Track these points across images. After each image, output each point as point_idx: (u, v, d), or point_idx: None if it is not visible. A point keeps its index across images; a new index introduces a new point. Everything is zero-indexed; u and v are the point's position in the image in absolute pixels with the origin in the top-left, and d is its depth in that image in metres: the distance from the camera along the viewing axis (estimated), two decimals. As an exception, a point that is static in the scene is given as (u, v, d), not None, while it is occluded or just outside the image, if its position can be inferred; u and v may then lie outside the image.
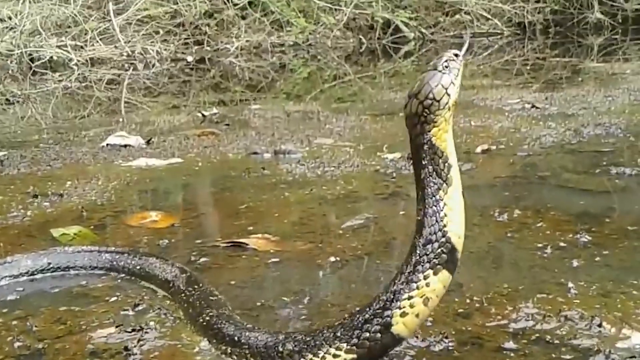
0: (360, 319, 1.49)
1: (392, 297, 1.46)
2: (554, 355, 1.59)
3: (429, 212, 1.45)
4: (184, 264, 2.22)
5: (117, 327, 1.80)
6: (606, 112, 4.70)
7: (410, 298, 1.46)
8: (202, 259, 2.33)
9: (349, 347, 1.48)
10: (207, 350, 1.68)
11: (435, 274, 1.46)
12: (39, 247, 2.54)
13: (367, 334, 1.47)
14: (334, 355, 1.50)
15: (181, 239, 2.60)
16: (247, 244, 2.42)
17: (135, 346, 1.68)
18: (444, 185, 1.45)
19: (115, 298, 2.04)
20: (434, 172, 1.44)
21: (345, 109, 5.63)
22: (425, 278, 1.46)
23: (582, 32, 12.66)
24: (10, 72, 10.78)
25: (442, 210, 1.45)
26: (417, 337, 1.69)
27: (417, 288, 1.46)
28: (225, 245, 2.45)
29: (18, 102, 7.69)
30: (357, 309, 1.57)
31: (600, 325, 1.69)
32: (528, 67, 8.46)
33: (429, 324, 1.76)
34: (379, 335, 1.47)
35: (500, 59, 9.77)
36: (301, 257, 2.32)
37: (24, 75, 10.35)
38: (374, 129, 4.68)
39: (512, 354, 1.61)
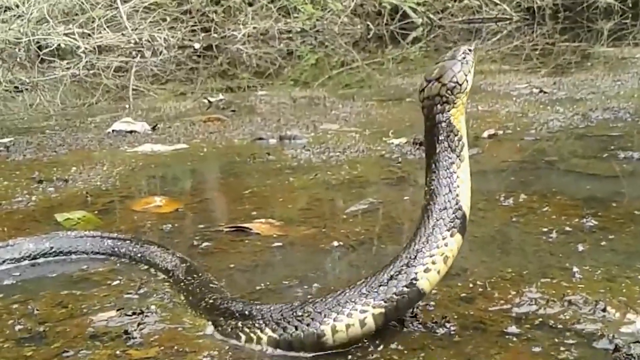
0: (385, 277, 1.55)
1: (415, 255, 1.57)
2: (557, 340, 1.57)
3: (443, 182, 1.59)
4: (186, 248, 2.22)
5: (118, 310, 1.79)
6: (615, 96, 4.65)
7: (432, 256, 1.58)
8: (205, 244, 2.32)
9: (376, 302, 1.53)
10: (209, 335, 1.67)
11: (451, 235, 1.60)
12: (43, 231, 2.53)
13: (394, 289, 1.55)
14: (362, 311, 1.52)
15: (185, 223, 2.59)
16: (250, 229, 2.41)
17: (135, 330, 1.67)
18: (458, 160, 1.60)
19: (117, 282, 2.03)
20: (449, 148, 1.59)
21: (351, 95, 5.60)
22: (443, 239, 1.59)
23: (592, 16, 12.55)
24: (18, 60, 10.80)
25: (455, 182, 1.60)
26: (418, 321, 1.68)
27: (438, 247, 1.59)
28: (228, 229, 2.44)
29: (27, 89, 7.70)
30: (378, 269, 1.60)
31: (604, 310, 1.67)
32: (537, 52, 8.39)
33: (431, 307, 1.75)
34: (405, 289, 1.55)
35: (509, 44, 9.70)
36: (304, 242, 2.30)
37: (32, 63, 10.36)
38: (380, 114, 4.65)
39: (514, 339, 1.59)
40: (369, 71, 8.03)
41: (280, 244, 2.29)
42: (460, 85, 1.59)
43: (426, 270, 1.57)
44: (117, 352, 1.60)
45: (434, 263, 1.58)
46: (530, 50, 8.75)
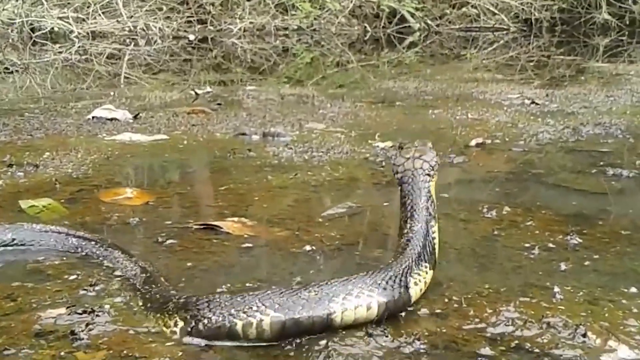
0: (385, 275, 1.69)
1: (407, 269, 1.75)
2: (532, 365, 1.48)
3: (422, 232, 1.86)
4: (150, 244, 2.11)
5: (68, 307, 1.68)
6: (607, 112, 4.57)
7: (419, 274, 1.78)
8: (170, 241, 2.20)
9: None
10: (163, 339, 1.56)
11: (430, 268, 1.84)
12: (5, 218, 2.42)
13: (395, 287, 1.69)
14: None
15: (153, 218, 2.47)
16: (220, 227, 2.30)
17: (83, 330, 1.56)
18: (433, 220, 1.91)
19: (73, 277, 1.91)
20: (428, 210, 1.90)
21: (341, 95, 5.49)
22: (425, 267, 1.81)
23: (589, 31, 12.52)
24: (10, 41, 10.64)
25: (433, 233, 1.89)
26: (386, 337, 1.57)
27: (422, 268, 1.80)
28: (197, 227, 2.33)
29: (17, 71, 7.56)
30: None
31: (584, 335, 1.57)
32: (532, 64, 8.32)
33: (401, 322, 1.65)
34: (403, 291, 1.71)
35: (504, 55, 9.63)
36: (275, 244, 2.20)
37: (24, 45, 10.21)
38: (368, 116, 4.55)
39: (487, 361, 1.49)
40: (364, 73, 7.92)
41: (249, 245, 2.18)
42: (438, 164, 2.00)
43: (416, 283, 1.74)
44: (62, 353, 1.49)
45: (420, 280, 1.76)
46: (525, 61, 8.68)
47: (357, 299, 1.61)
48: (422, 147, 2.00)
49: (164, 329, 1.59)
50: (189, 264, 2.01)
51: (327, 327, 1.58)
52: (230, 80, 6.90)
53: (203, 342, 1.54)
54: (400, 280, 1.70)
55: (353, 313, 1.60)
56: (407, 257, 1.78)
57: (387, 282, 1.67)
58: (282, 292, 1.57)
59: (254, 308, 1.54)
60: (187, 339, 1.55)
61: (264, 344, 1.54)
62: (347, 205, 2.59)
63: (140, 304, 1.70)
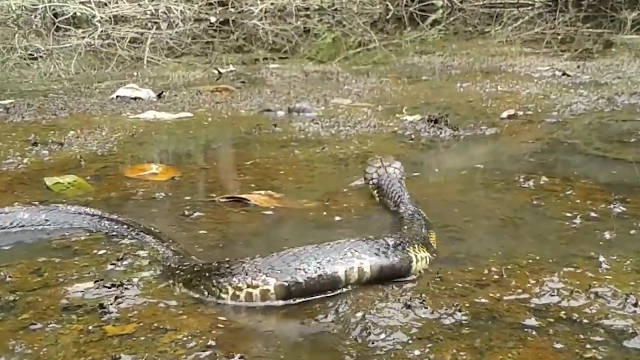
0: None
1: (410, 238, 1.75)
2: (582, 337, 1.39)
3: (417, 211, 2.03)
4: (176, 217, 2.06)
5: (96, 282, 1.63)
6: (642, 82, 4.43)
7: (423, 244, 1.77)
8: (196, 214, 2.15)
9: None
10: (193, 312, 1.50)
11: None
12: (31, 195, 2.39)
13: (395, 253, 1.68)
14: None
15: (179, 192, 2.42)
16: (247, 200, 2.24)
17: (112, 304, 1.51)
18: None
19: (101, 252, 1.87)
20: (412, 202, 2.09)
21: (366, 71, 5.39)
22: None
23: (616, 5, 12.20)
24: (34, 27, 10.65)
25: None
26: (425, 308, 1.50)
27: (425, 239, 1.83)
28: (224, 200, 2.27)
29: (41, 57, 7.54)
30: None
31: (635, 305, 1.49)
32: (559, 39, 8.12)
33: (440, 294, 1.57)
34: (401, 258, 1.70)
35: (529, 31, 9.41)
36: (303, 215, 2.13)
37: (48, 31, 10.21)
38: (394, 91, 4.45)
39: (534, 333, 1.41)
40: (386, 52, 7.79)
41: (275, 216, 2.12)
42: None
43: (417, 251, 1.71)
44: (90, 327, 1.44)
45: (421, 249, 1.74)
46: (551, 37, 8.47)
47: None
48: (387, 157, 2.30)
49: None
50: (215, 235, 1.95)
51: None
52: (255, 59, 6.82)
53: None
54: (404, 247, 1.69)
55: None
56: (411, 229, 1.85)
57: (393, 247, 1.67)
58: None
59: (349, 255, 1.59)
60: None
61: (298, 320, 1.48)
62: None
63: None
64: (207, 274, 1.56)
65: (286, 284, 1.53)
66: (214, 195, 2.35)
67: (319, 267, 1.55)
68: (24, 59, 7.45)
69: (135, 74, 5.63)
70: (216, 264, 1.58)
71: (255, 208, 2.20)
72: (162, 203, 2.30)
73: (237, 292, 1.53)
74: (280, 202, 2.25)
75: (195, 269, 1.60)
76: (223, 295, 1.54)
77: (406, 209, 2.03)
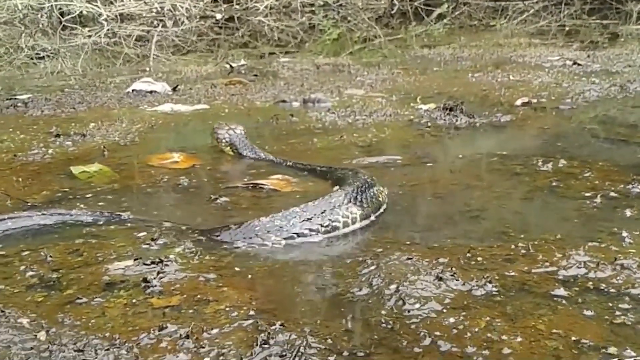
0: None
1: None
2: (610, 304, 1.44)
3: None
4: (203, 202, 2.11)
5: (135, 260, 1.68)
6: (653, 70, 4.47)
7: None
8: (223, 199, 2.20)
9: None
10: (230, 282, 1.56)
11: None
12: (57, 184, 2.44)
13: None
14: None
15: (201, 179, 2.48)
16: (266, 185, 2.30)
17: (154, 278, 1.56)
18: None
19: (134, 233, 1.92)
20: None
21: (377, 63, 5.43)
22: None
23: (622, -3, 12.20)
24: (40, 26, 10.70)
25: None
26: (457, 280, 1.55)
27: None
28: (243, 185, 2.33)
29: (48, 56, 7.59)
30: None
31: (661, 275, 1.54)
32: (564, 32, 8.14)
33: (469, 268, 1.62)
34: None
35: (535, 24, 9.43)
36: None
37: (54, 30, 10.26)
38: (407, 81, 4.50)
39: (563, 301, 1.46)
40: (391, 48, 7.82)
41: (299, 197, 2.18)
42: None
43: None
44: (134, 300, 1.49)
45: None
46: (557, 29, 8.49)
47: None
48: (231, 123, 2.87)
49: None
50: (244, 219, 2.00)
51: None
52: (269, 53, 6.86)
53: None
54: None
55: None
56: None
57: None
58: None
59: None
60: None
61: (333, 292, 1.53)
62: (391, 157, 2.59)
63: None
64: None
65: None
66: (235, 181, 2.41)
67: None
68: (31, 58, 7.50)
69: (147, 69, 5.68)
70: None
71: (277, 193, 2.26)
72: (187, 189, 2.35)
73: None
74: (299, 186, 2.31)
75: None
76: None
77: (265, 155, 2.67)
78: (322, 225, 1.87)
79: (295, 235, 1.83)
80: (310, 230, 1.85)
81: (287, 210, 1.87)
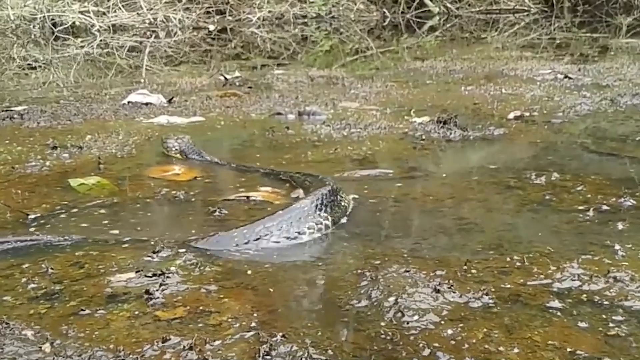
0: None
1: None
2: (604, 316, 1.48)
3: None
4: (202, 215, 2.14)
5: (137, 272, 1.70)
6: (642, 84, 4.53)
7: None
8: (224, 210, 2.23)
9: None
10: (232, 294, 1.58)
11: None
12: (56, 196, 2.46)
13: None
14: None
15: (201, 191, 2.51)
16: (255, 197, 2.37)
17: (157, 290, 1.59)
18: None
19: (135, 244, 1.94)
20: None
21: (370, 76, 5.48)
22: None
23: (611, 11, 12.35)
24: (32, 36, 10.70)
25: None
26: (454, 293, 1.58)
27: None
28: (234, 198, 2.37)
29: (40, 67, 7.60)
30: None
31: (653, 287, 1.57)
32: (555, 45, 8.23)
33: (466, 280, 1.65)
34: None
35: (526, 37, 9.52)
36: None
37: (46, 41, 10.26)
38: (400, 94, 4.54)
39: (558, 313, 1.50)
40: (383, 59, 7.88)
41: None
42: None
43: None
44: (137, 312, 1.51)
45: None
46: (547, 42, 8.58)
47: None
48: (178, 134, 3.14)
49: None
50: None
51: None
52: (262, 65, 6.90)
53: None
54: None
55: None
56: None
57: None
58: None
59: None
60: None
61: (333, 304, 1.56)
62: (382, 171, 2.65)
63: None
64: None
65: None
66: (232, 193, 2.44)
67: None
68: (23, 68, 7.51)
69: (141, 80, 5.70)
70: None
71: (271, 205, 2.31)
72: (187, 201, 2.38)
73: None
74: (284, 197, 2.39)
75: None
76: None
77: (210, 158, 2.95)
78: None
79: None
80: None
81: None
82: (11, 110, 4.15)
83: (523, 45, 8.17)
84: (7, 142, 3.32)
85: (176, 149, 3.07)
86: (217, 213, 2.21)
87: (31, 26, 11.27)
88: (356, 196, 2.35)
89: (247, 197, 2.37)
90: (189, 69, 6.87)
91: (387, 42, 9.79)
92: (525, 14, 12.59)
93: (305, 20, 12.31)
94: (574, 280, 1.64)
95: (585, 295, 1.58)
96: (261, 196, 2.39)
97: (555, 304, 1.54)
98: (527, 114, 3.66)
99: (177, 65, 7.57)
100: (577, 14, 12.35)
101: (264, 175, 2.67)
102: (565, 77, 4.84)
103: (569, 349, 1.35)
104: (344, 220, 2.14)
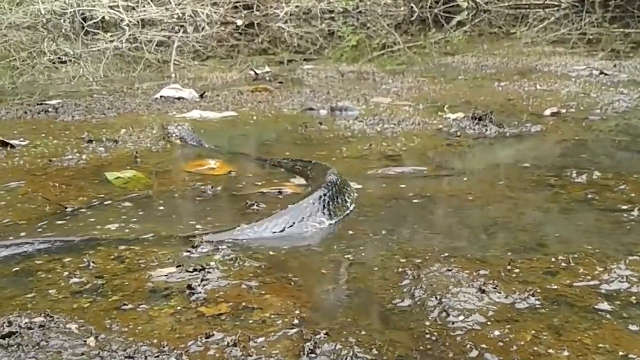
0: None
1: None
2: (656, 319, 1.44)
3: None
4: (240, 208, 2.14)
5: (178, 266, 1.70)
6: (682, 80, 4.44)
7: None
8: (258, 206, 2.22)
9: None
10: (272, 291, 1.57)
11: None
12: (93, 189, 2.48)
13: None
14: None
15: (236, 185, 2.50)
16: (284, 189, 2.39)
17: (199, 285, 1.58)
18: None
19: (175, 240, 1.94)
20: None
21: (401, 71, 5.45)
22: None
23: (644, 5, 12.11)
24: (63, 31, 10.82)
25: None
26: (499, 293, 1.55)
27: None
28: (265, 191, 2.37)
29: (70, 61, 7.67)
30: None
31: None
32: (585, 40, 8.10)
33: (510, 281, 1.62)
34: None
35: (556, 32, 9.39)
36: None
37: (76, 35, 10.37)
38: (432, 90, 4.50)
39: (607, 316, 1.46)
40: (410, 54, 7.82)
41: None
42: None
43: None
44: (179, 307, 1.51)
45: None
46: (578, 38, 8.45)
47: None
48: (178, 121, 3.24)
49: None
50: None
51: None
52: (286, 60, 6.89)
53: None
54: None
55: None
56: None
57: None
58: None
59: None
60: None
61: (375, 302, 1.54)
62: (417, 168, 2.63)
63: None
64: None
65: None
66: (266, 187, 2.44)
67: None
68: (53, 62, 7.59)
69: (172, 75, 5.73)
70: None
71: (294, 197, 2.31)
72: (223, 195, 2.38)
73: None
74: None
75: None
76: None
77: (208, 145, 3.12)
78: None
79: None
80: None
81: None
82: (46, 104, 4.19)
83: (554, 40, 8.06)
84: (43, 135, 3.35)
85: (176, 135, 3.21)
86: (254, 207, 2.21)
87: (62, 20, 11.39)
88: (392, 194, 2.33)
89: (279, 190, 2.38)
90: (216, 64, 6.89)
91: (415, 37, 9.72)
92: (556, 8, 12.43)
93: (332, 15, 12.28)
94: (622, 282, 1.61)
95: (634, 297, 1.54)
96: (290, 189, 2.41)
97: (604, 306, 1.51)
98: (564, 110, 3.60)
99: (205, 60, 7.60)
100: (609, 9, 12.14)
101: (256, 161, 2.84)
102: (601, 73, 4.76)
103: (620, 353, 1.32)
104: (377, 217, 2.12)
